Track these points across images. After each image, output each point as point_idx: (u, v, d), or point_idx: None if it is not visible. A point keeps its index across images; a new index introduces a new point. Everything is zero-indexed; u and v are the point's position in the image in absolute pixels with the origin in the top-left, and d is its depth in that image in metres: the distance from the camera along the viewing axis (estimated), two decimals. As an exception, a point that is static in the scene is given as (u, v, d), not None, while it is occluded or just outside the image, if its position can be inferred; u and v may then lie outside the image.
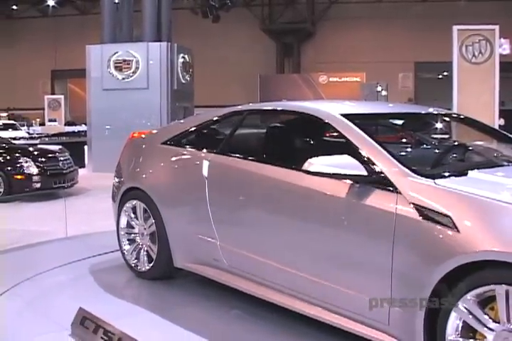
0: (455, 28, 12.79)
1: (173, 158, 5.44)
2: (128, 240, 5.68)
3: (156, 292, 5.26)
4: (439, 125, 5.47)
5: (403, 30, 28.96)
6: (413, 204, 3.41)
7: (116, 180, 6.01)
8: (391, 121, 5.20)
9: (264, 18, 31.49)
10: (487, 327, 3.06)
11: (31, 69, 35.56)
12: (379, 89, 22.24)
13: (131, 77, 15.87)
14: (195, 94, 18.31)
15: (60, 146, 11.94)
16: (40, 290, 5.25)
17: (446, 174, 3.67)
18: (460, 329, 3.16)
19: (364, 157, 3.78)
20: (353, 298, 3.72)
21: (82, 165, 15.44)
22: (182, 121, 6.55)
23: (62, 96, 30.60)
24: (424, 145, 5.14)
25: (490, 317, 3.06)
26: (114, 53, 15.94)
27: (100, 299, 4.98)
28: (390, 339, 3.52)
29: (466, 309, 3.12)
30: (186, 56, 16.84)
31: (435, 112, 5.26)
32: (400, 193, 3.50)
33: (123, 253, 5.71)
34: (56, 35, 35.18)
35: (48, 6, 34.34)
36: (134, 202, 5.58)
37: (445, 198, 3.39)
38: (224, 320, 4.56)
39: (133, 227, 5.64)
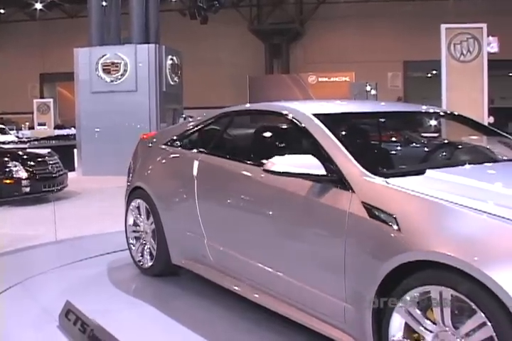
0: (443, 26, 12.79)
1: (170, 159, 5.68)
2: (134, 238, 5.94)
3: (149, 292, 5.34)
4: (423, 123, 5.50)
5: (392, 29, 29.01)
6: (363, 203, 3.44)
7: (127, 179, 6.24)
8: (372, 120, 5.17)
9: (253, 18, 31.49)
10: (425, 328, 3.06)
11: (20, 73, 35.46)
12: (368, 88, 22.24)
13: (119, 79, 15.84)
14: (185, 96, 18.29)
15: (49, 150, 11.87)
16: (32, 292, 5.32)
17: (402, 173, 3.69)
18: (403, 329, 3.16)
19: (326, 156, 3.84)
20: (314, 296, 3.79)
21: (72, 169, 15.38)
22: (185, 121, 6.81)
23: (51, 100, 30.51)
24: (397, 144, 5.18)
25: (428, 319, 3.05)
26: (102, 56, 15.92)
27: (89, 301, 4.97)
28: (348, 338, 3.56)
29: (406, 309, 3.12)
30: (175, 58, 16.82)
31: (420, 110, 5.29)
32: (354, 192, 3.54)
33: (130, 250, 5.99)
34: (44, 38, 35.10)
35: (36, 9, 34.22)
36: (138, 201, 5.85)
37: (393, 197, 3.42)
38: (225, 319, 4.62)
39: (138, 225, 5.89)
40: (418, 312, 3.09)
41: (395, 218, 3.24)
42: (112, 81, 15.88)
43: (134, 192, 5.97)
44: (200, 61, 28.10)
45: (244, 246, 4.59)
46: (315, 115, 4.30)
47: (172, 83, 16.71)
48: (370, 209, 3.39)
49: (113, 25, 17.04)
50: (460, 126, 5.29)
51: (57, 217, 7.91)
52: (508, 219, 2.92)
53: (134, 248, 5.93)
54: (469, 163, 4.25)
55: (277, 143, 4.64)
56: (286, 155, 3.83)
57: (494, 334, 2.70)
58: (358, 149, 4.19)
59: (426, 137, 5.50)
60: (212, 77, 29.82)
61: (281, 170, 3.76)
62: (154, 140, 6.14)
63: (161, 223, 5.50)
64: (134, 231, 5.95)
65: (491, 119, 12.75)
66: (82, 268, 6.09)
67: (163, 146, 5.81)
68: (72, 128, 18.57)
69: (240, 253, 4.60)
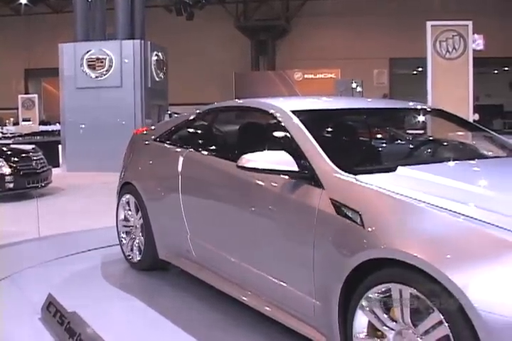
0: (429, 23, 12.81)
1: (157, 154, 5.76)
2: (125, 232, 6.03)
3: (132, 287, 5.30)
4: (403, 120, 5.51)
5: (378, 26, 29.00)
6: (331, 199, 3.45)
7: (120, 175, 6.30)
8: (351, 116, 5.19)
9: (239, 15, 31.40)
10: (387, 325, 3.07)
11: (4, 68, 35.17)
12: (354, 85, 22.24)
13: (104, 75, 15.78)
14: (170, 92, 18.23)
15: (34, 146, 11.81)
16: (19, 286, 5.39)
17: (372, 170, 3.70)
18: (367, 327, 3.17)
19: (300, 153, 3.86)
20: (286, 291, 3.81)
21: (57, 165, 15.32)
22: (175, 117, 6.87)
23: (36, 96, 30.30)
24: (374, 141, 5.16)
25: (389, 316, 3.06)
26: (87, 51, 15.84)
27: (75, 295, 5.10)
28: (318, 335, 3.58)
29: (369, 307, 3.13)
30: (160, 54, 16.76)
31: (401, 107, 5.32)
32: (324, 189, 3.56)
33: (120, 245, 6.08)
34: (29, 33, 34.84)
35: (21, 4, 33.96)
36: (128, 196, 5.95)
37: (359, 194, 3.43)
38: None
39: (128, 220, 5.99)
40: (380, 309, 3.10)
41: (360, 215, 3.25)
42: (96, 77, 15.81)
43: (124, 188, 6.06)
44: (185, 57, 28.01)
45: (222, 241, 4.66)
46: (293, 112, 4.32)
47: (157, 79, 16.65)
48: (338, 205, 3.41)
49: (98, 20, 16.95)
50: (443, 123, 5.30)
51: (41, 213, 7.89)
52: (471, 218, 2.91)
53: (124, 242, 6.02)
54: (447, 161, 4.28)
55: (258, 139, 4.62)
56: (260, 152, 3.86)
57: (450, 333, 2.71)
58: (332, 146, 4.21)
59: (407, 134, 5.51)
60: (197, 73, 29.73)
61: (254, 167, 3.79)
62: (145, 136, 6.21)
63: (148, 218, 5.58)
64: (125, 226, 6.03)
65: (476, 116, 12.78)
66: (67, 264, 6.14)
67: (152, 142, 5.88)
68: (57, 124, 18.47)
69: (218, 249, 4.67)
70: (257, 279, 4.16)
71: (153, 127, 6.35)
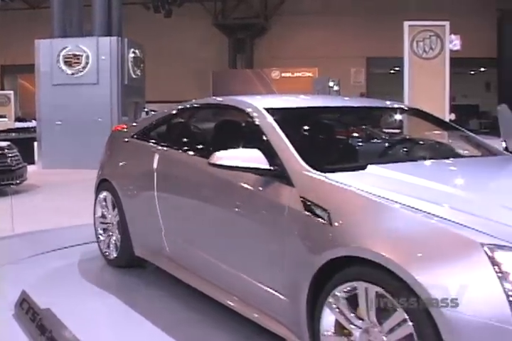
0: (406, 23, 12.87)
1: (133, 151, 5.76)
2: (102, 229, 6.03)
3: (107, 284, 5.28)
4: (378, 118, 5.54)
5: (355, 25, 29.07)
6: (301, 197, 3.46)
7: (98, 172, 6.29)
8: (325, 114, 5.19)
9: (217, 13, 31.32)
10: (353, 324, 3.08)
11: (-20, 64, 34.94)
12: (331, 84, 22.29)
13: (81, 72, 15.66)
14: (148, 90, 18.17)
15: (9, 142, 11.68)
16: None
17: (343, 168, 3.72)
18: (334, 325, 3.18)
19: (272, 151, 3.87)
20: (256, 288, 3.82)
21: (32, 162, 15.20)
22: (152, 114, 6.90)
23: (12, 92, 30.09)
24: (347, 139, 5.19)
25: (356, 315, 3.07)
26: (64, 48, 15.71)
27: (45, 294, 5.04)
28: (287, 332, 3.58)
29: (336, 305, 3.14)
30: (137, 51, 16.68)
31: (377, 106, 5.35)
32: (294, 187, 3.57)
33: (98, 242, 6.09)
34: (5, 29, 34.52)
35: (-3, 0, 33.76)
36: (105, 193, 5.95)
37: (328, 192, 3.45)
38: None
39: (105, 217, 5.99)
40: (346, 308, 3.11)
41: (328, 213, 3.26)
42: (73, 73, 15.69)
43: (101, 185, 6.05)
44: (163, 55, 27.95)
45: (195, 238, 4.68)
46: (267, 110, 4.33)
47: (134, 76, 16.57)
48: (307, 203, 3.41)
49: (75, 17, 16.81)
50: (419, 122, 5.34)
51: (16, 211, 7.82)
52: (439, 217, 2.92)
53: (101, 239, 6.02)
54: (420, 160, 4.33)
55: (232, 137, 4.62)
56: (232, 149, 3.87)
57: (414, 331, 2.72)
58: (304, 144, 4.24)
59: (382, 132, 5.53)
60: (175, 71, 29.64)
61: (225, 164, 3.79)
62: (123, 133, 6.21)
63: (124, 215, 5.58)
64: (102, 223, 6.03)
65: (453, 116, 12.87)
66: (43, 261, 6.11)
67: (129, 139, 5.88)
68: (33, 121, 18.33)
69: (191, 246, 4.70)
70: (229, 276, 4.18)
71: (134, 124, 6.34)
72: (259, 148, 3.83)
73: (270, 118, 4.20)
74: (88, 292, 5.22)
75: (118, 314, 4.76)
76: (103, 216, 6.03)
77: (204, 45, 30.18)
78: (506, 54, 25.89)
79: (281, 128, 4.07)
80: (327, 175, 3.55)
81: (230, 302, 4.20)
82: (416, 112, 5.33)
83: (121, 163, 5.91)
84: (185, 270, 4.84)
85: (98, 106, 15.51)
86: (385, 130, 5.56)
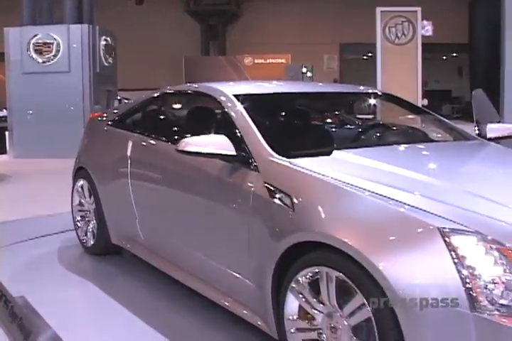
0: (378, 9, 12.91)
1: (109, 139, 5.76)
2: (80, 217, 6.05)
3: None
4: (350, 103, 5.55)
5: (328, 12, 29.03)
6: (266, 183, 3.49)
7: (75, 159, 6.28)
8: (295, 100, 5.18)
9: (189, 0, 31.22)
10: (315, 308, 3.12)
11: (-51, 53, 34.52)
12: (304, 70, 22.29)
13: (52, 60, 15.46)
14: (120, 77, 18.01)
15: (-21, 132, 11.57)
16: None
17: (309, 154, 3.72)
18: (298, 309, 3.21)
19: (239, 137, 3.90)
20: (225, 274, 3.85)
21: (3, 152, 15.07)
22: (129, 102, 6.88)
23: (-18, 81, 29.87)
24: (316, 125, 5.19)
25: (317, 299, 3.10)
26: (34, 36, 15.48)
27: (20, 281, 5.08)
28: (255, 318, 3.62)
29: (298, 290, 3.17)
30: (109, 38, 16.50)
31: (348, 91, 5.37)
32: (259, 172, 3.59)
33: (76, 230, 6.11)
34: (-26, 17, 34.19)
35: (-35, -13, 33.31)
36: (82, 180, 5.97)
37: (291, 178, 3.47)
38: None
39: (83, 205, 6.02)
40: (309, 292, 3.14)
41: (290, 198, 3.28)
42: (44, 62, 15.50)
43: (78, 172, 6.05)
44: (135, 42, 27.73)
45: (166, 225, 4.71)
46: (235, 96, 4.35)
47: (106, 64, 16.41)
48: (271, 189, 3.44)
49: (45, 4, 16.57)
50: (391, 107, 5.35)
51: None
52: (399, 202, 2.94)
53: (79, 227, 6.04)
54: (389, 145, 4.34)
55: (203, 123, 4.64)
56: (199, 136, 3.88)
57: (372, 315, 2.75)
58: (271, 130, 4.27)
59: (353, 118, 5.55)
60: (147, 58, 29.46)
61: (192, 150, 3.79)
62: (99, 120, 6.21)
63: (100, 202, 5.62)
64: (80, 211, 6.05)
65: (425, 101, 12.94)
66: (17, 250, 6.13)
67: (106, 126, 5.88)
68: (4, 110, 18.15)
69: (163, 233, 4.75)
70: (200, 263, 4.22)
71: (115, 111, 6.30)
72: (228, 135, 3.84)
73: (238, 105, 4.22)
74: (65, 280, 5.25)
75: (93, 301, 4.82)
76: (80, 204, 6.04)
77: (176, 32, 29.99)
78: (477, 39, 26.00)
79: (249, 114, 4.09)
80: (291, 160, 3.57)
81: (201, 289, 4.25)
82: (388, 97, 5.34)
83: (97, 151, 5.93)
84: (159, 257, 4.87)
85: (70, 94, 15.35)
86: (357, 115, 5.58)
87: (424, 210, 2.84)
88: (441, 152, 4.34)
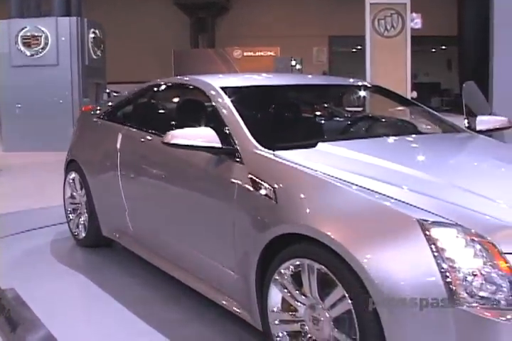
0: (367, 1, 12.87)
1: (99, 132, 5.80)
2: (72, 209, 6.12)
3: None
4: (337, 96, 5.54)
5: (317, 4, 28.99)
6: (250, 175, 3.51)
7: (67, 152, 6.32)
8: (282, 93, 5.15)
9: (178, -8, 31.09)
10: (298, 300, 3.15)
11: None
12: (293, 63, 22.27)
13: (40, 53, 15.38)
14: (109, 71, 17.95)
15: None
16: None
17: (293, 146, 3.73)
18: (281, 301, 3.24)
19: (224, 129, 3.92)
20: (212, 266, 3.89)
21: (-7, 145, 15.04)
22: (121, 94, 6.85)
23: (-30, 74, 29.70)
24: (302, 117, 5.18)
25: (299, 291, 3.13)
26: (22, 29, 15.39)
27: (11, 274, 5.16)
28: (240, 309, 3.66)
29: (281, 281, 3.19)
30: (97, 31, 16.43)
31: (337, 83, 5.38)
32: (244, 164, 3.62)
33: (68, 222, 6.18)
34: (-38, 10, 34.00)
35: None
36: (73, 173, 6.03)
37: (275, 170, 3.49)
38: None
39: (74, 198, 6.09)
40: (291, 284, 3.16)
41: (274, 190, 3.30)
42: (32, 55, 15.42)
43: (70, 165, 6.10)
44: (123, 35, 27.64)
45: (155, 217, 4.74)
46: (222, 88, 4.36)
47: (95, 57, 16.35)
48: (255, 181, 3.46)
49: (33, -3, 16.53)
50: (379, 99, 5.35)
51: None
52: (380, 195, 2.96)
53: (71, 219, 6.11)
54: (375, 137, 4.35)
55: (190, 116, 4.65)
56: (186, 128, 3.88)
57: (352, 307, 2.78)
58: (257, 122, 4.32)
59: (341, 110, 5.55)
60: (136, 51, 29.37)
61: (178, 143, 3.80)
62: (91, 113, 6.24)
63: (90, 195, 5.67)
64: (71, 204, 6.12)
65: (414, 94, 12.94)
66: (9, 243, 6.17)
67: (96, 119, 5.92)
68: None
69: (152, 225, 4.77)
70: (187, 255, 4.26)
71: (109, 103, 6.32)
72: (214, 127, 3.86)
73: (225, 97, 4.23)
74: (55, 272, 5.30)
75: (83, 292, 4.90)
76: (72, 196, 6.09)
77: (165, 25, 29.89)
78: (467, 32, 25.98)
79: (235, 106, 4.11)
80: (276, 152, 3.59)
81: (188, 280, 4.29)
82: (378, 89, 5.33)
83: (88, 144, 5.97)
84: (148, 249, 4.90)
85: (59, 87, 15.29)
86: (346, 108, 5.57)
87: (406, 203, 2.86)
88: (428, 144, 4.34)
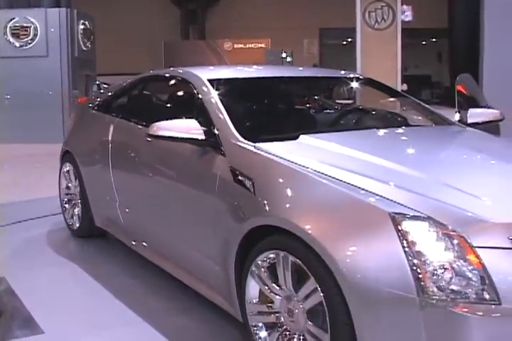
0: (358, -7, 12.85)
1: (92, 123, 5.87)
2: (67, 200, 6.19)
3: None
4: (325, 88, 5.52)
5: (308, -4, 29.00)
6: (231, 167, 3.54)
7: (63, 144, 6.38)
8: (270, 85, 5.10)
9: (168, -17, 30.98)
10: (273, 292, 3.17)
11: None
12: (284, 55, 22.26)
13: (29, 44, 15.29)
14: (99, 62, 17.89)
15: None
16: None
17: (275, 138, 3.75)
18: (258, 293, 3.26)
19: (208, 121, 3.93)
20: (195, 258, 3.93)
21: (-19, 137, 14.90)
22: (114, 85, 6.84)
23: (-42, 65, 29.55)
24: (288, 110, 5.14)
25: (275, 283, 3.15)
26: (11, 19, 15.28)
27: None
28: (222, 300, 3.69)
29: (257, 273, 3.21)
30: (87, 22, 16.34)
31: (324, 75, 5.37)
32: (226, 156, 3.64)
33: (63, 213, 6.27)
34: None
35: None
36: (68, 164, 6.10)
37: (254, 162, 3.52)
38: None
39: (69, 188, 6.15)
40: (267, 276, 3.18)
41: (252, 182, 3.32)
42: (21, 46, 15.33)
43: (65, 156, 6.15)
44: (113, 26, 27.54)
45: (142, 208, 4.78)
46: (210, 80, 4.38)
47: (84, 49, 16.27)
48: (235, 173, 3.48)
49: (22, -13, 16.43)
50: (369, 91, 5.34)
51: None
52: (353, 187, 2.96)
53: (66, 210, 6.19)
54: (360, 129, 4.35)
55: (179, 107, 4.74)
56: (170, 120, 3.90)
57: (323, 299, 2.79)
58: (242, 114, 4.31)
59: (330, 102, 5.53)
60: (126, 42, 29.26)
61: (162, 135, 3.82)
62: (86, 105, 6.32)
63: (84, 186, 5.74)
64: (67, 194, 6.19)
65: (405, 86, 12.96)
66: (4, 233, 6.25)
67: (91, 111, 5.98)
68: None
69: (139, 216, 4.82)
70: (172, 245, 4.31)
71: (94, 96, 6.39)
72: (200, 119, 3.89)
73: (211, 89, 4.26)
74: (49, 261, 5.36)
75: (74, 282, 4.94)
76: (67, 187, 6.14)
77: (155, 16, 29.79)
78: (457, 25, 26.01)
79: (221, 98, 4.13)
80: (257, 145, 3.60)
81: (173, 271, 4.33)
82: (368, 81, 5.32)
83: (82, 135, 6.03)
84: (137, 240, 4.93)
85: (48, 79, 15.20)
86: (336, 100, 5.55)
87: (381, 196, 2.85)
88: (414, 137, 4.31)
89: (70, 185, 6.11)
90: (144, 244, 4.80)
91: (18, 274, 4.87)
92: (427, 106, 5.06)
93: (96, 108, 5.92)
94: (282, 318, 3.15)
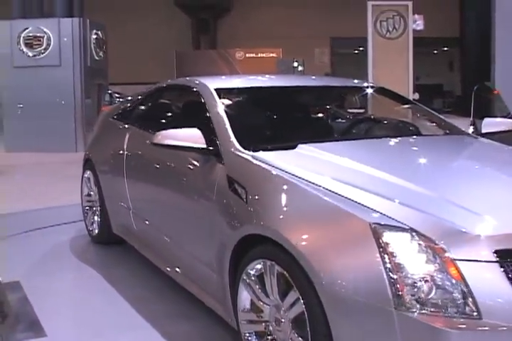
0: (369, 3, 12.89)
1: (111, 132, 5.96)
2: (88, 207, 6.28)
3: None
4: (332, 98, 5.50)
5: (319, 5, 28.98)
6: (227, 175, 3.57)
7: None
8: (277, 94, 5.03)
9: (180, -7, 31.08)
10: (262, 300, 3.17)
11: None
12: (295, 64, 22.28)
13: (42, 53, 15.40)
14: (111, 72, 17.98)
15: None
16: None
17: (272, 148, 3.75)
18: (249, 301, 3.26)
19: (211, 130, 3.97)
20: (196, 265, 3.95)
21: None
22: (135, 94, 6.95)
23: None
24: (292, 119, 5.02)
25: (263, 292, 3.15)
26: (24, 29, 15.41)
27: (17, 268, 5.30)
28: (220, 307, 3.69)
29: (248, 282, 3.22)
30: (99, 32, 16.45)
31: (333, 85, 5.34)
32: (224, 165, 3.68)
33: (84, 219, 6.37)
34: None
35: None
36: (88, 172, 6.22)
37: (249, 171, 3.54)
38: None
39: (90, 195, 6.23)
40: (256, 285, 3.18)
41: (245, 191, 3.35)
42: (34, 55, 15.44)
43: (86, 164, 6.27)
44: (125, 36, 27.65)
45: (152, 215, 4.85)
46: (217, 90, 4.42)
47: (97, 58, 16.37)
48: (231, 181, 3.51)
49: (35, -3, 16.55)
50: (381, 100, 5.33)
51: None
52: (340, 197, 2.93)
53: (87, 216, 6.28)
54: (363, 138, 4.34)
55: (188, 117, 4.74)
56: (174, 129, 3.93)
57: (305, 310, 2.79)
58: (244, 124, 4.26)
59: (336, 111, 5.50)
60: (138, 52, 29.38)
61: (166, 143, 3.86)
62: (107, 113, 6.43)
63: (102, 193, 5.84)
64: (88, 201, 6.27)
65: (416, 96, 12.94)
66: (24, 239, 6.34)
67: (111, 119, 6.08)
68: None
69: (149, 223, 4.85)
70: (176, 252, 4.35)
71: (116, 105, 6.48)
72: (205, 128, 3.92)
73: (217, 98, 4.30)
74: (65, 267, 5.49)
75: (87, 288, 4.95)
76: (88, 194, 6.24)
77: (167, 26, 29.90)
78: (469, 33, 26.04)
79: (225, 108, 4.19)
80: (254, 154, 3.62)
81: (178, 278, 4.38)
82: (380, 91, 5.27)
83: (101, 144, 6.14)
84: (148, 247, 4.99)
85: (61, 88, 15.30)
86: (347, 109, 5.54)
87: (366, 206, 2.82)
88: (417, 147, 4.24)
89: (91, 192, 6.21)
90: (154, 252, 4.85)
91: (34, 278, 4.97)
92: (439, 115, 5.02)
93: (115, 116, 6.03)
94: (271, 327, 3.15)
